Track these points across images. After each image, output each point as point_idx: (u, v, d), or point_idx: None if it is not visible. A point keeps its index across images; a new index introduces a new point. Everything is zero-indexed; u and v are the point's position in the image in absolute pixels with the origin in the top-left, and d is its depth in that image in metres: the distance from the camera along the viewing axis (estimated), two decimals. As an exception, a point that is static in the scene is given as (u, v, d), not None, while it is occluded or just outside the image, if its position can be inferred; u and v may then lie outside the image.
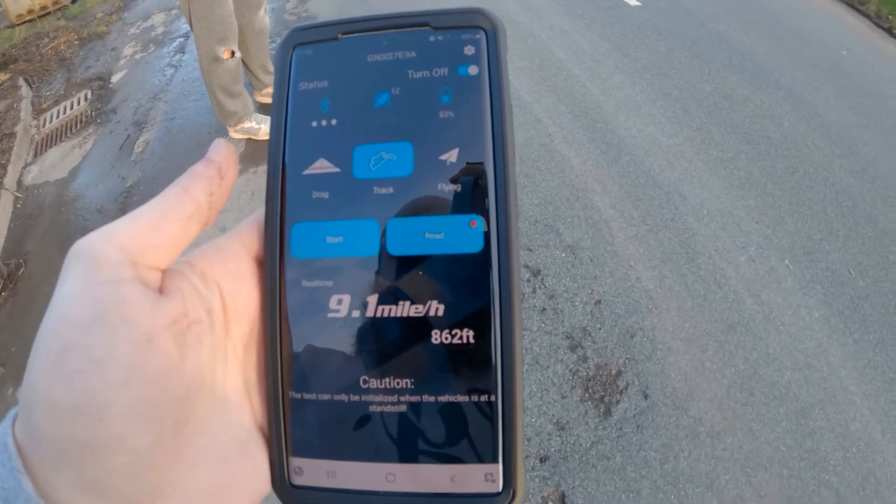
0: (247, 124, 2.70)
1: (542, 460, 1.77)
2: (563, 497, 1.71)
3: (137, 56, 3.86)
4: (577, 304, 2.14)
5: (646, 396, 1.93)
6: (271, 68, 2.74)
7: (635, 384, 1.97)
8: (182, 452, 0.22)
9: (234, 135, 2.73)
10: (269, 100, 2.90)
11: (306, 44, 0.27)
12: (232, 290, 0.25)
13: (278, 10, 3.54)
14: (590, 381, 1.95)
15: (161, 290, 0.23)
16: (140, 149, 3.00)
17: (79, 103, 3.42)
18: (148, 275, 0.23)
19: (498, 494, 0.24)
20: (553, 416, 1.86)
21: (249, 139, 2.75)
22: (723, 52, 3.51)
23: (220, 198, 0.26)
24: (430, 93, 0.26)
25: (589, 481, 1.74)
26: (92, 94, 3.49)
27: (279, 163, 0.26)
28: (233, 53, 2.42)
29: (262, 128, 2.72)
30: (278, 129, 0.26)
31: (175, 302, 0.23)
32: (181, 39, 3.92)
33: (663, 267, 2.27)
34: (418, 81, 0.26)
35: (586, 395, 1.91)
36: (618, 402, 1.91)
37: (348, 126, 0.26)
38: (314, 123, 0.26)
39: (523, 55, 3.36)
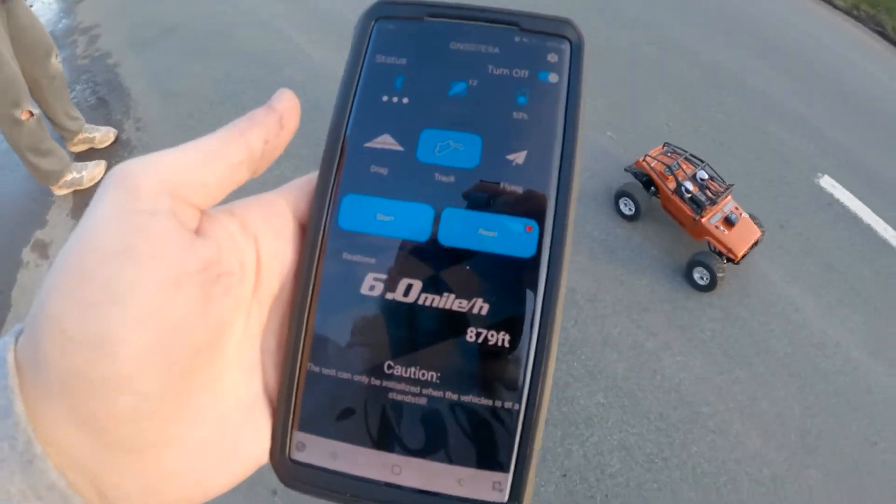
0: (68, 177, 2.55)
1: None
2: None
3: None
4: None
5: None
6: (76, 114, 2.67)
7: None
8: (186, 406, 0.21)
9: (58, 192, 2.58)
10: (82, 147, 2.75)
11: (389, 18, 0.27)
12: (269, 247, 0.24)
13: (70, 57, 3.36)
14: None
15: (197, 232, 0.22)
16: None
17: None
18: (186, 212, 0.22)
19: None
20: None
21: (76, 191, 2.62)
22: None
23: (276, 148, 0.25)
24: (507, 91, 0.26)
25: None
26: None
27: (341, 130, 0.26)
28: (31, 113, 2.31)
29: (83, 175, 2.58)
30: (346, 98, 0.26)
31: (210, 247, 0.22)
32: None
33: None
34: (497, 78, 0.26)
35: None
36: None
37: (420, 107, 0.26)
38: (384, 98, 0.26)
39: None
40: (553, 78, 0.26)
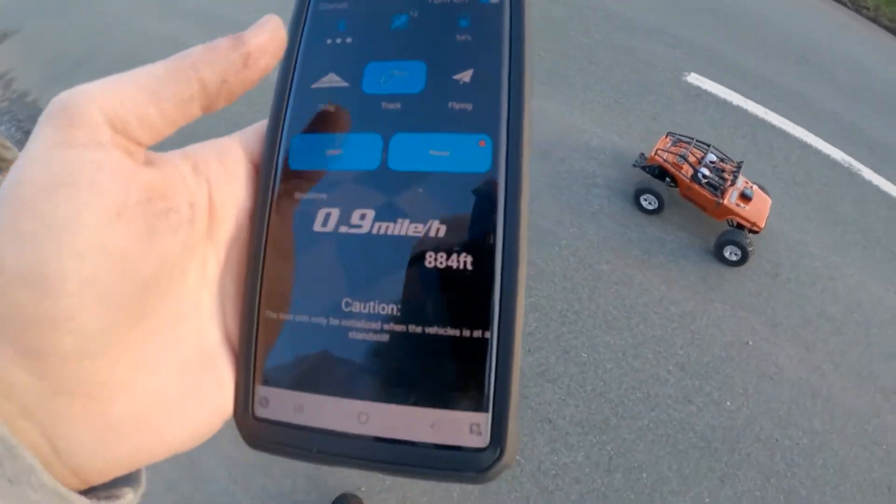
0: None
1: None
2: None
3: None
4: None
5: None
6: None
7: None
8: (137, 350, 0.20)
9: None
10: None
11: None
12: (223, 190, 0.23)
13: None
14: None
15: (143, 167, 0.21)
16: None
17: None
18: (128, 146, 0.20)
19: (482, 450, 0.21)
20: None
21: None
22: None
23: (237, 87, 0.23)
24: (448, 17, 0.25)
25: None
26: None
27: (288, 77, 0.26)
28: None
29: None
30: (292, 46, 0.26)
31: (153, 177, 0.21)
32: None
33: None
34: (438, 6, 0.25)
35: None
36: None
37: (363, 44, 0.26)
38: (328, 41, 0.26)
39: None
40: None
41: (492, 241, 0.22)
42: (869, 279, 2.53)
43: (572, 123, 2.87)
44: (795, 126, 3.08)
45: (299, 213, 0.24)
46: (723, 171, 2.53)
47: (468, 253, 0.23)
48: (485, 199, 0.23)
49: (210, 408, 0.23)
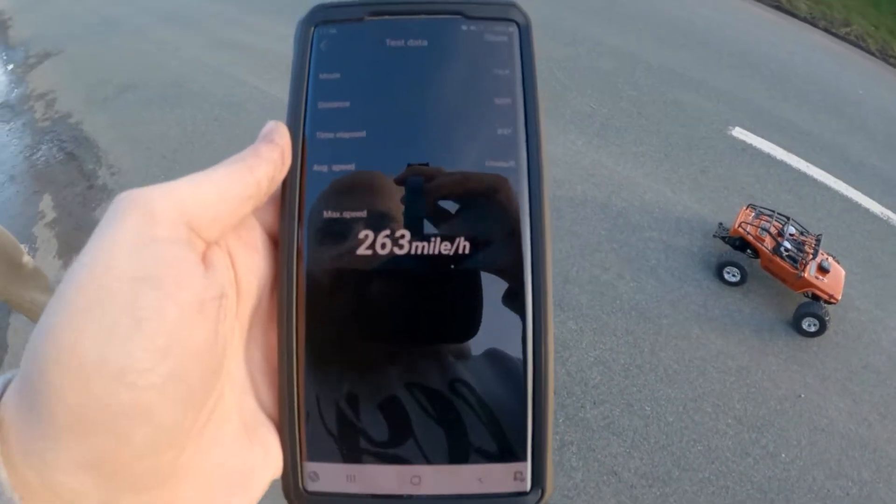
0: None
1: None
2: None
3: None
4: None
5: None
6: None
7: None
8: (199, 434, 0.21)
9: None
10: None
11: (329, 23, 0.26)
12: (244, 262, 0.24)
13: (29, 122, 3.47)
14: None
15: (203, 262, 0.22)
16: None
17: None
18: (198, 244, 0.21)
19: (526, 494, 0.23)
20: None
21: (60, 233, 2.52)
22: None
23: (277, 183, 0.24)
24: (458, 81, 0.25)
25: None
26: None
27: (297, 158, 0.25)
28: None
29: None
30: (297, 128, 0.25)
31: (219, 275, 0.22)
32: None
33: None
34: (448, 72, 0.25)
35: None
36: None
37: (372, 122, 0.25)
38: (335, 105, 0.25)
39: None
40: (504, 66, 0.25)
41: (522, 323, 0.24)
42: (910, 332, 2.63)
43: (626, 175, 3.00)
44: (836, 180, 3.20)
45: (329, 284, 0.24)
46: (803, 244, 2.62)
47: (502, 315, 0.24)
48: (512, 279, 0.24)
49: (261, 475, 0.23)
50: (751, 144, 3.34)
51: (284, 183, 0.25)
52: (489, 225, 0.24)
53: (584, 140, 3.19)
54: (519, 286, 0.24)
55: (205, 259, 0.22)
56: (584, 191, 2.90)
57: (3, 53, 4.26)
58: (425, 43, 0.26)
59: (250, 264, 0.24)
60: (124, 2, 4.57)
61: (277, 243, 0.25)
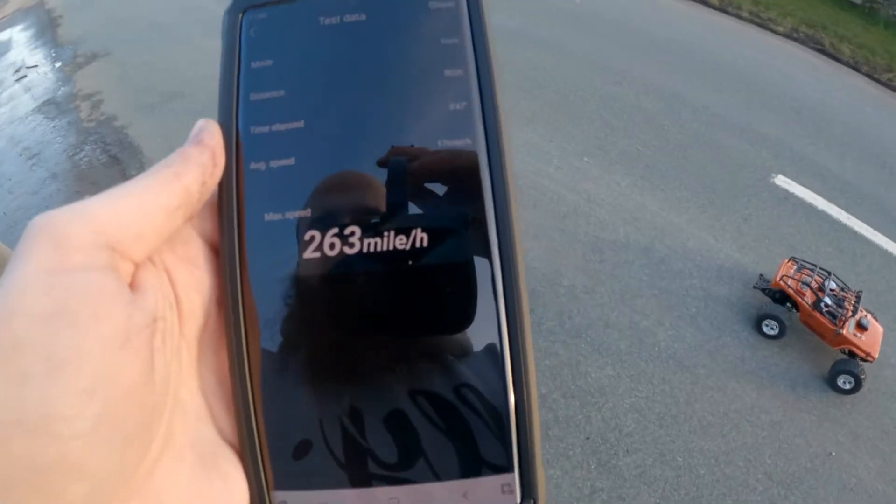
0: None
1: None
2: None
3: None
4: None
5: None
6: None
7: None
8: (146, 480, 0.19)
9: None
10: None
11: (258, 7, 0.24)
12: (185, 279, 0.22)
13: (74, 121, 3.49)
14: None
15: (132, 286, 0.20)
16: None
17: None
18: (123, 267, 0.19)
19: None
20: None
21: None
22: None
23: (210, 188, 0.22)
24: (393, 51, 0.23)
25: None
26: None
27: (232, 155, 0.23)
28: None
29: None
30: (230, 124, 0.23)
31: (150, 299, 0.20)
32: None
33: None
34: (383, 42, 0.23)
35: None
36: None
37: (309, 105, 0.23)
38: (268, 95, 0.23)
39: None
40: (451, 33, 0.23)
41: (499, 326, 0.22)
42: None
43: (670, 220, 3.05)
44: (875, 232, 3.22)
45: (279, 293, 0.22)
46: (843, 299, 2.63)
47: (476, 326, 0.22)
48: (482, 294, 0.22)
49: None
50: (793, 193, 3.36)
51: (220, 186, 0.23)
52: (448, 212, 0.22)
53: (628, 181, 3.24)
54: (487, 280, 0.22)
55: (133, 282, 0.20)
56: (627, 234, 2.95)
57: (52, 51, 4.35)
58: (363, 17, 0.24)
59: (191, 281, 0.22)
60: (173, 9, 4.66)
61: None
